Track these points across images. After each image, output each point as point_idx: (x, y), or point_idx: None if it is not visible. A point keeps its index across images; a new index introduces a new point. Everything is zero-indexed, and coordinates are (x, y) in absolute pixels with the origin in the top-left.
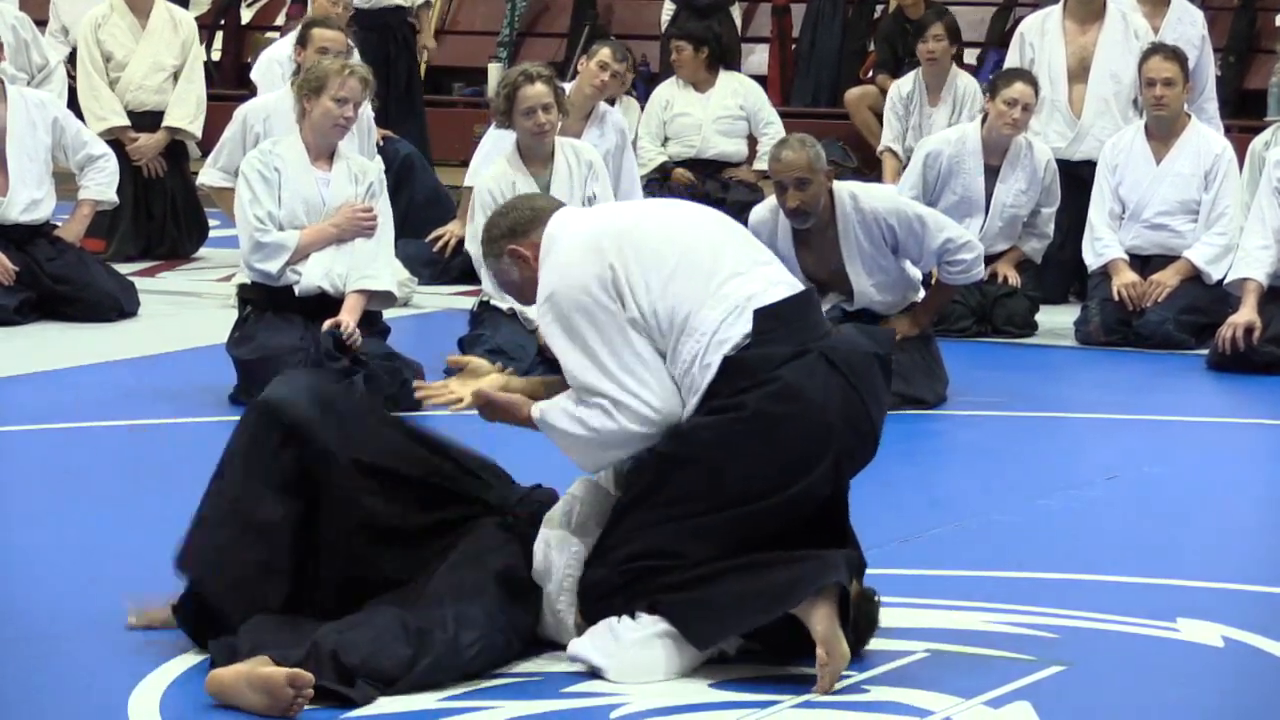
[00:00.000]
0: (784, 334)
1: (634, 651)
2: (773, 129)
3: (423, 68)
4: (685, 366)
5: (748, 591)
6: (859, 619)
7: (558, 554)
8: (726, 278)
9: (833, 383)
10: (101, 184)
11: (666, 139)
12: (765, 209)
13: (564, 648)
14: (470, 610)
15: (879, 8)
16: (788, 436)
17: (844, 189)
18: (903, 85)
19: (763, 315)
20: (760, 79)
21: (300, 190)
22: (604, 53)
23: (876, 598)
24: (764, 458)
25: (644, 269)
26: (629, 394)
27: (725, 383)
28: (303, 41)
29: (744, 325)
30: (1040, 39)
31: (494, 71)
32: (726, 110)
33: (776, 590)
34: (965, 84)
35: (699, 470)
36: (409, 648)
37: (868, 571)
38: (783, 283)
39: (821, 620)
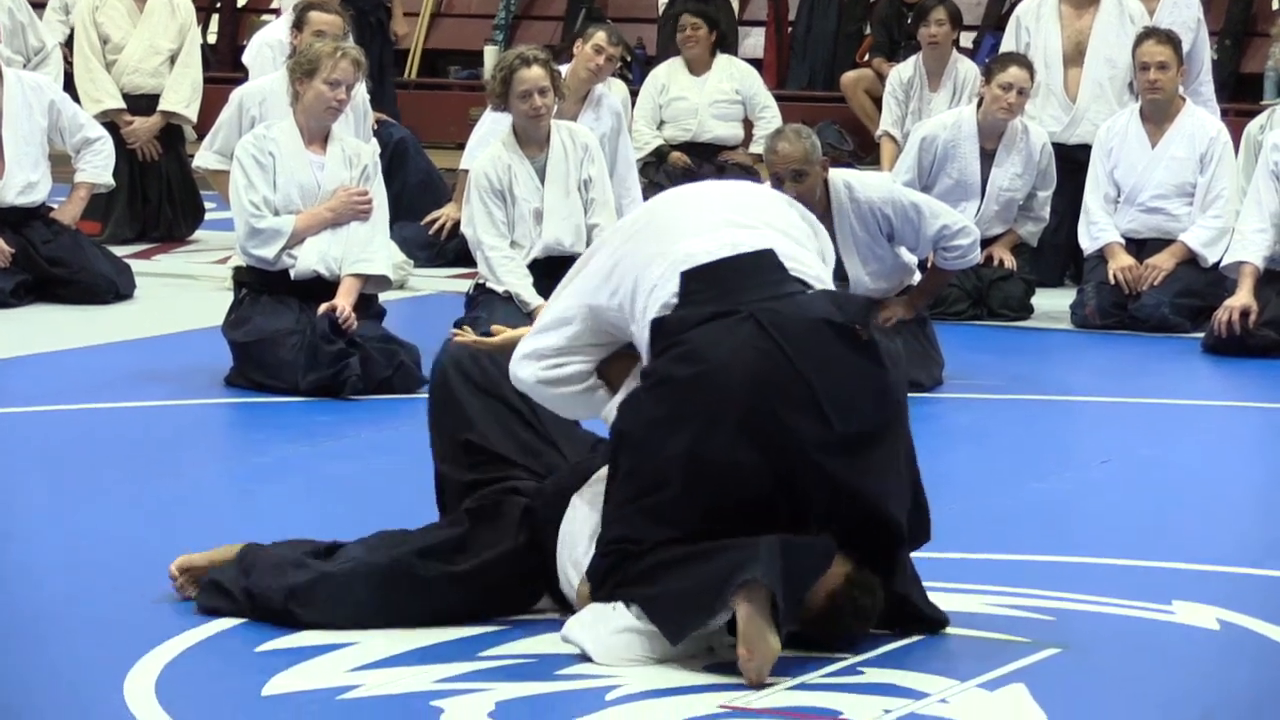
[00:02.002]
0: (713, 295)
1: (618, 638)
2: (769, 113)
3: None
4: (640, 325)
5: (688, 589)
6: (843, 609)
7: (581, 525)
8: (681, 236)
9: (753, 345)
10: (98, 166)
11: (662, 122)
12: None
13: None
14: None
15: None
16: (687, 401)
17: (839, 178)
18: (903, 70)
19: (690, 276)
20: (756, 62)
21: (295, 174)
22: (599, 36)
23: (878, 590)
24: (669, 425)
25: (620, 233)
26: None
27: (654, 346)
28: (299, 25)
29: (673, 285)
30: (1036, 23)
31: (490, 54)
32: (722, 94)
33: (711, 586)
34: (966, 69)
35: (628, 445)
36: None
37: None
38: (742, 245)
39: (740, 619)
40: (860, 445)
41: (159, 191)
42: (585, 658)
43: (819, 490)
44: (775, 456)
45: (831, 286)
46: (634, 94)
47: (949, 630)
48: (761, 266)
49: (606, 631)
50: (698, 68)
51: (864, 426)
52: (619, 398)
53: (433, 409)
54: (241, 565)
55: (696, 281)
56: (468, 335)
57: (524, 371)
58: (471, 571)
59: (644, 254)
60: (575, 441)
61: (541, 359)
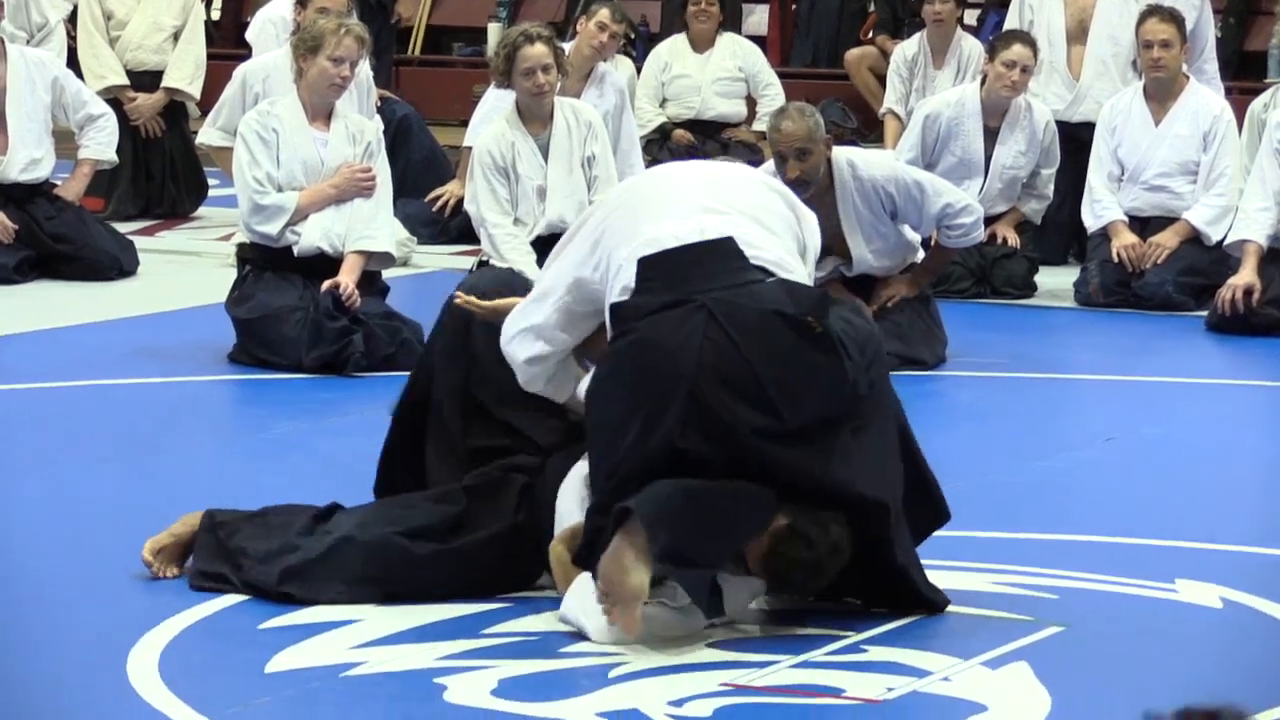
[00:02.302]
0: (668, 283)
1: (678, 617)
2: (772, 90)
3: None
4: (607, 305)
5: None
6: (779, 557)
7: (570, 503)
8: (653, 218)
9: (702, 335)
10: (101, 143)
11: (665, 100)
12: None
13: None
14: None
15: None
16: (637, 391)
17: (842, 157)
18: (907, 48)
19: (646, 263)
20: (759, 40)
21: (298, 151)
22: (602, 13)
23: (826, 544)
24: (623, 414)
25: (605, 205)
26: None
27: (612, 330)
28: (302, 2)
29: (631, 270)
30: (1040, 1)
31: (494, 31)
32: (725, 72)
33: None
34: (970, 47)
35: (592, 432)
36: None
37: None
38: (708, 231)
39: (605, 554)
40: (819, 434)
41: (162, 168)
42: (586, 636)
43: (774, 478)
44: (723, 446)
45: (803, 274)
46: (638, 71)
47: (952, 608)
48: (720, 254)
49: (597, 607)
50: (701, 45)
51: (818, 416)
52: (584, 382)
53: (445, 345)
54: (223, 550)
55: (652, 269)
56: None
57: (515, 349)
58: (466, 549)
59: (620, 231)
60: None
61: (531, 336)
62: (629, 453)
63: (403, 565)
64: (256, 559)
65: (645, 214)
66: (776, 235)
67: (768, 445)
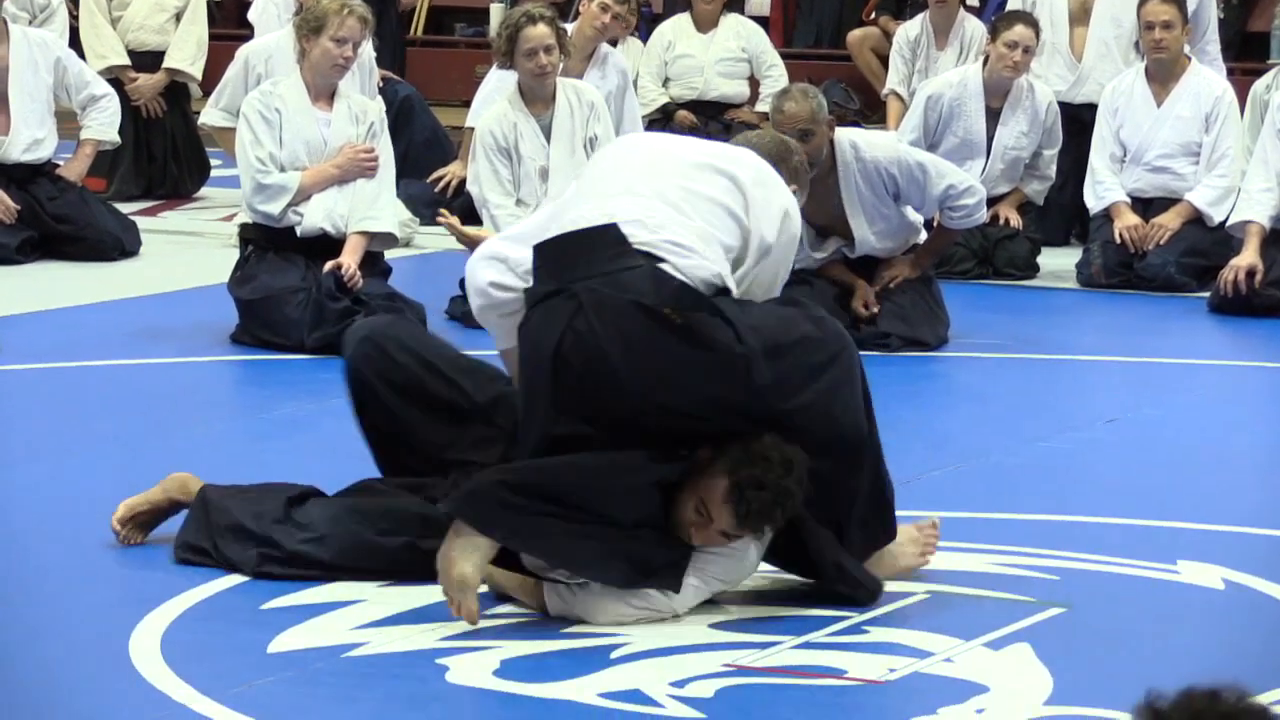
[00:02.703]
0: (552, 271)
1: (595, 599)
2: (775, 72)
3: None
4: None
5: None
6: (743, 489)
7: None
8: (581, 199)
9: (567, 325)
10: (104, 124)
11: (667, 80)
12: None
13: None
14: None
15: None
16: (522, 377)
17: (845, 138)
18: (910, 29)
19: (538, 250)
20: (762, 20)
21: (301, 131)
22: None
23: (772, 459)
24: (521, 399)
25: (582, 171)
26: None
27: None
28: None
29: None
30: None
31: (496, 12)
32: (728, 52)
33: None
34: (973, 27)
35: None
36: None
37: None
38: (616, 214)
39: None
40: (689, 420)
41: (164, 148)
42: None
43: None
44: (600, 427)
45: (715, 256)
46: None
47: (954, 589)
48: (601, 241)
49: (585, 592)
50: (704, 25)
51: (686, 400)
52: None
53: (359, 410)
54: (208, 526)
55: (541, 256)
56: (452, 219)
57: (482, 270)
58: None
59: (565, 208)
60: (504, 407)
61: (504, 266)
62: (527, 438)
63: (371, 557)
64: (234, 538)
65: (580, 193)
66: (689, 218)
67: (635, 426)
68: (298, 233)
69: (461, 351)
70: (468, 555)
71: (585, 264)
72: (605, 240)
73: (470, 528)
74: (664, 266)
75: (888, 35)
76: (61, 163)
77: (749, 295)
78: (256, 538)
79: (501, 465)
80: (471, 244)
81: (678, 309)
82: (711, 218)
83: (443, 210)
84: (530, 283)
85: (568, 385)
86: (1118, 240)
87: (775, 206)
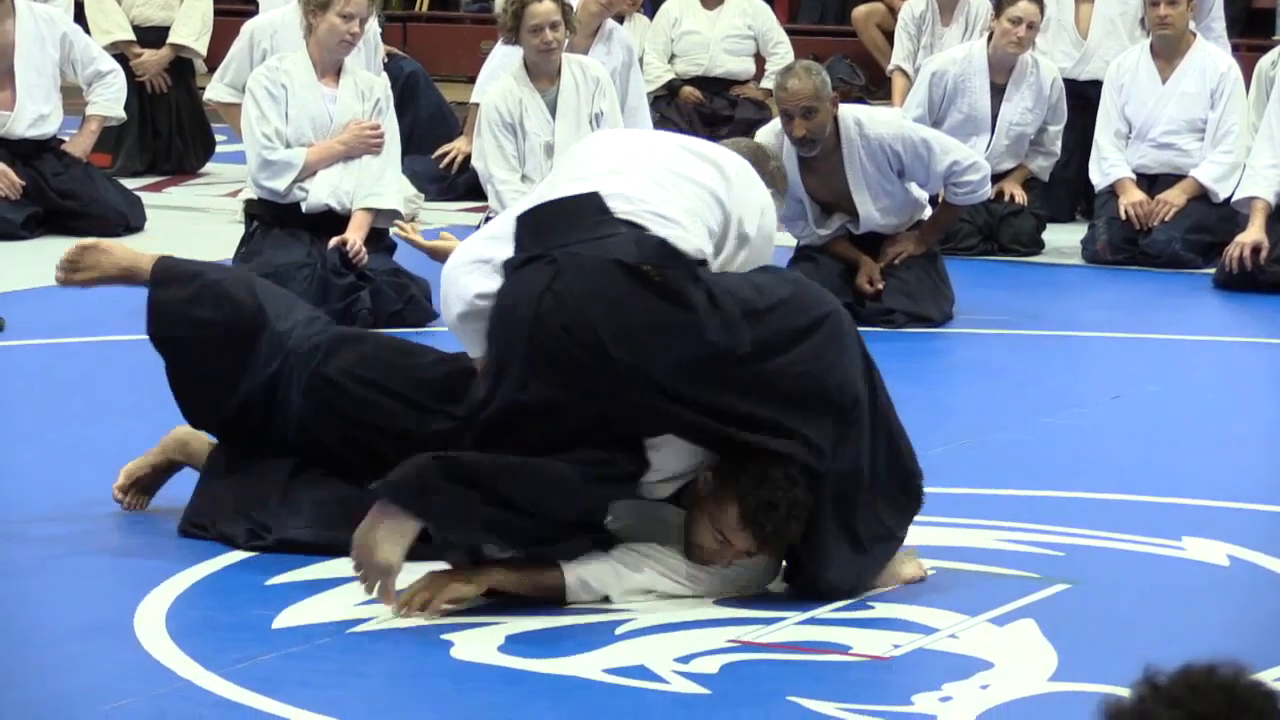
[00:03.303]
0: (533, 239)
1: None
2: (782, 49)
3: None
4: None
5: None
6: (764, 513)
7: None
8: (560, 180)
9: (546, 288)
10: (109, 99)
11: (673, 56)
12: (770, 133)
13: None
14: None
15: None
16: (491, 343)
17: (849, 115)
18: (915, 5)
19: (519, 220)
20: None
21: (307, 107)
22: None
23: (776, 481)
24: (487, 364)
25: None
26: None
27: None
28: None
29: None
30: None
31: None
32: (734, 29)
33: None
34: (977, 3)
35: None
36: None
37: None
38: (601, 188)
39: (356, 532)
40: (672, 379)
41: (169, 124)
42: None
43: (635, 422)
44: (572, 394)
45: (698, 231)
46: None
47: (958, 565)
48: (583, 209)
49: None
50: (710, 2)
51: (665, 363)
52: None
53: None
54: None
55: (522, 225)
56: (411, 233)
57: (465, 278)
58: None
59: (539, 193)
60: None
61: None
62: (490, 404)
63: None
64: (229, 518)
65: (560, 179)
66: (667, 191)
67: (613, 389)
68: (303, 209)
69: (414, 348)
70: (394, 540)
71: (566, 231)
72: (587, 208)
73: (399, 509)
74: (649, 234)
75: (893, 11)
76: (67, 138)
77: None
78: (250, 519)
79: (436, 451)
80: (434, 254)
81: (657, 267)
82: (694, 197)
83: (399, 223)
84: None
85: (545, 349)
86: (1123, 216)
87: (755, 198)
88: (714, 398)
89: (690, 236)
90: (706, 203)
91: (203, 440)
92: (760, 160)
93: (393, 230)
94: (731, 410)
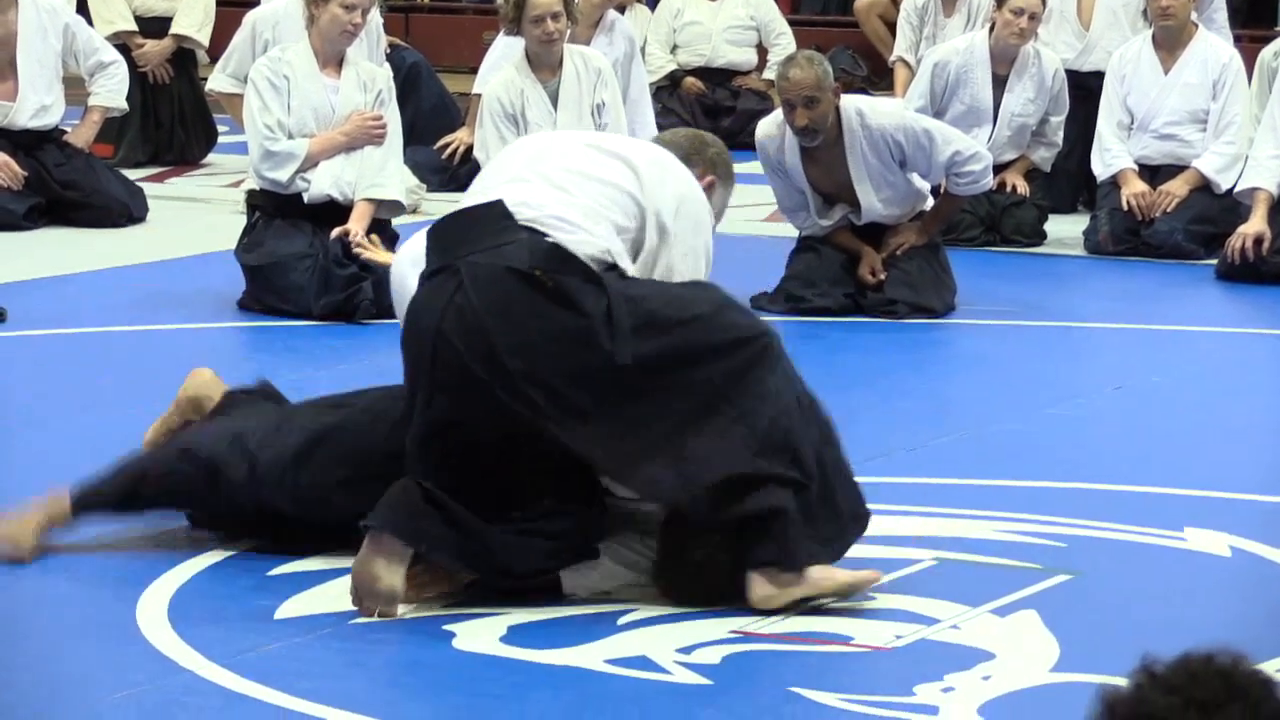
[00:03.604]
0: (439, 249)
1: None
2: (784, 40)
3: None
4: None
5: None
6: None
7: None
8: (477, 188)
9: (450, 301)
10: (112, 90)
11: (675, 47)
12: (772, 124)
13: None
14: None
15: None
16: (405, 358)
17: (851, 105)
18: None
19: (430, 232)
20: None
21: (309, 98)
22: None
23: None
24: (406, 383)
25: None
26: None
27: None
28: None
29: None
30: None
31: None
32: (737, 20)
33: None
34: None
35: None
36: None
37: (874, 480)
38: (504, 197)
39: (354, 563)
40: (563, 389)
41: (171, 115)
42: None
43: (535, 434)
44: (475, 410)
45: (601, 233)
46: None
47: (960, 556)
48: (486, 218)
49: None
50: None
51: (558, 369)
52: None
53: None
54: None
55: (432, 238)
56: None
57: (409, 278)
58: None
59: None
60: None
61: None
62: (409, 422)
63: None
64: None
65: (471, 191)
66: (574, 197)
67: (505, 399)
68: (305, 199)
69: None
70: (393, 568)
71: (470, 240)
72: (490, 216)
73: (391, 538)
74: (546, 239)
75: (895, 2)
76: (69, 129)
77: (666, 280)
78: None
79: (414, 477)
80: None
81: (547, 271)
82: (600, 196)
83: (359, 241)
84: None
85: (446, 364)
86: (1125, 207)
87: (671, 188)
88: (614, 408)
89: (594, 239)
90: (614, 199)
91: (217, 395)
92: (698, 149)
93: (354, 246)
94: (634, 419)
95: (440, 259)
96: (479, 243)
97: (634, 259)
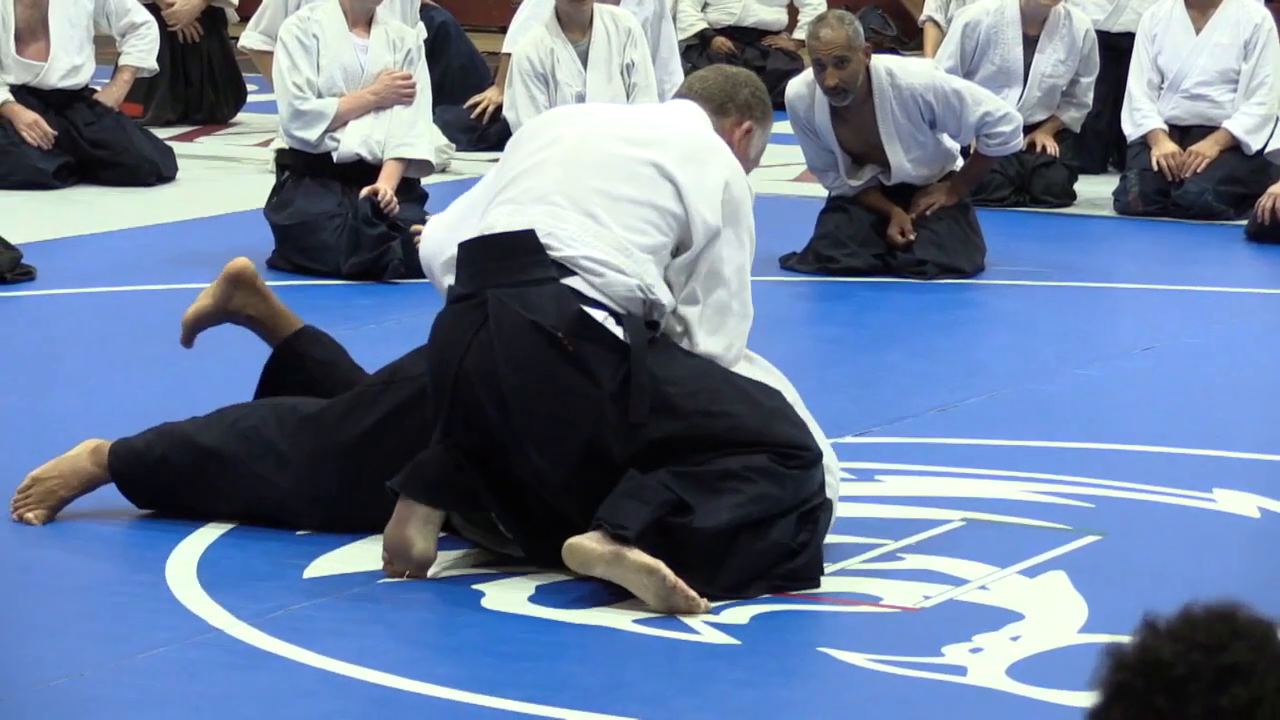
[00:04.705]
0: (468, 272)
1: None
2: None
3: None
4: None
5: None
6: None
7: None
8: (501, 196)
9: (474, 335)
10: (143, 50)
11: (706, 4)
12: (802, 83)
13: None
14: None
15: None
16: (429, 375)
17: (881, 65)
18: None
19: (461, 248)
20: None
21: (339, 57)
22: None
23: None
24: (430, 397)
25: (511, 145)
26: None
27: None
28: None
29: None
30: None
31: None
32: None
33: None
34: None
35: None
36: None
37: (903, 440)
38: (535, 223)
39: (387, 529)
40: (559, 455)
41: (201, 74)
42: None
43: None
44: (483, 444)
45: (636, 267)
46: None
47: (989, 517)
48: (519, 249)
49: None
50: None
51: (556, 438)
52: None
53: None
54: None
55: (464, 253)
56: None
57: (435, 235)
58: None
59: (492, 192)
60: None
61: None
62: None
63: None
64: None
65: (504, 185)
66: (607, 228)
67: (506, 443)
68: (334, 158)
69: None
70: (425, 534)
71: (501, 270)
72: (523, 247)
73: (418, 503)
74: (575, 281)
75: None
76: (99, 88)
77: (714, 272)
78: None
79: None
80: None
81: (570, 335)
82: (633, 220)
83: (388, 200)
84: None
85: (465, 404)
86: (1155, 168)
87: (711, 182)
88: (605, 483)
89: (625, 278)
90: (649, 219)
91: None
92: (731, 94)
93: (383, 206)
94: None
95: (470, 284)
96: (509, 275)
97: (675, 255)
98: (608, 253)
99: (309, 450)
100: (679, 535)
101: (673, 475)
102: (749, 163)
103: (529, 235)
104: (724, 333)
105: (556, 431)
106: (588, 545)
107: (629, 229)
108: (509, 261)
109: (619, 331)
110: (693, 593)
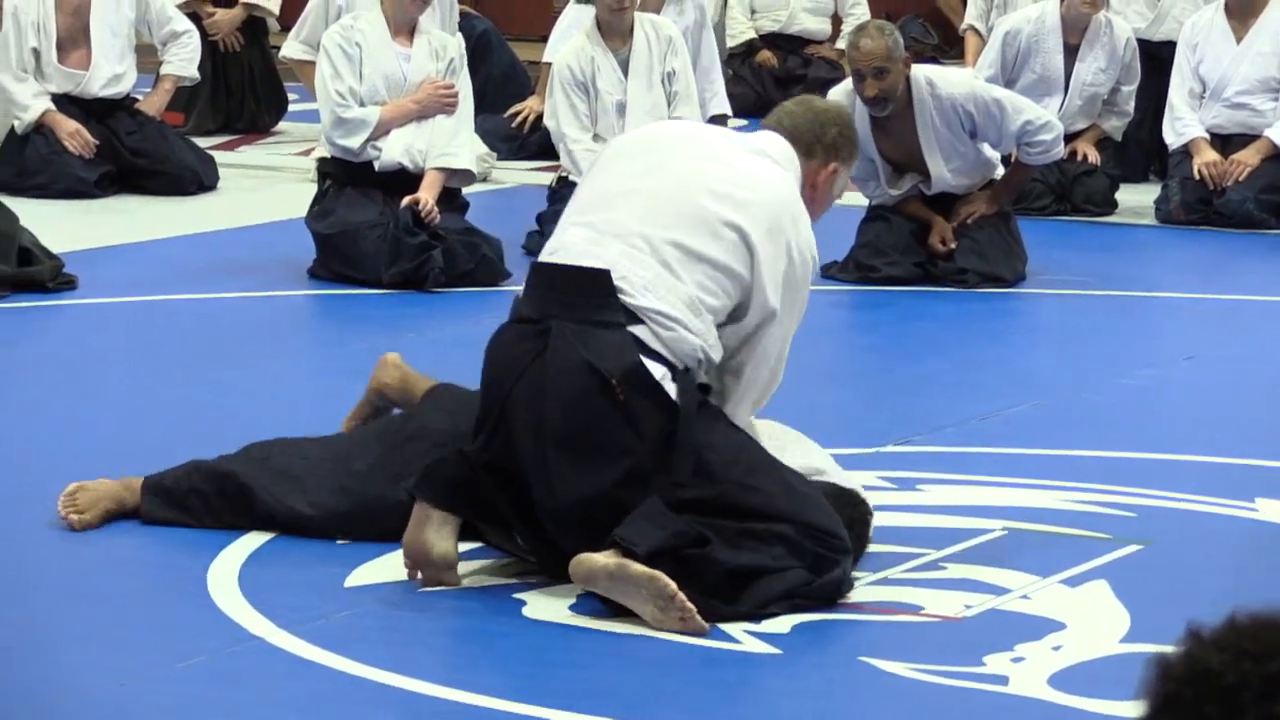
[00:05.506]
0: (537, 294)
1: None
2: (858, 9)
3: None
4: None
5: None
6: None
7: None
8: (580, 216)
9: (530, 361)
10: (184, 60)
11: (754, 11)
12: (842, 93)
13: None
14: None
15: None
16: (482, 388)
17: (921, 75)
18: None
19: (534, 268)
20: None
21: (381, 65)
22: None
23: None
24: (480, 405)
25: (597, 159)
26: None
27: None
28: None
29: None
30: None
31: None
32: None
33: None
34: None
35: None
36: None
37: (944, 450)
38: (609, 262)
39: (406, 532)
40: (571, 487)
41: (242, 83)
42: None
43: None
44: (515, 466)
45: (701, 327)
46: None
47: (1031, 526)
48: (591, 286)
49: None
50: None
51: (578, 473)
52: None
53: None
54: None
55: (536, 275)
56: None
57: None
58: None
59: (573, 207)
60: None
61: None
62: (472, 442)
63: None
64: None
65: (584, 205)
66: (680, 281)
67: (532, 472)
68: (376, 167)
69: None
70: (443, 534)
71: (570, 304)
72: (597, 287)
73: (435, 507)
74: (642, 331)
75: None
76: (140, 97)
77: (764, 353)
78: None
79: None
80: None
81: (624, 385)
82: (706, 280)
83: (429, 210)
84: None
85: (507, 428)
86: (1196, 177)
87: (783, 264)
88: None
89: (690, 336)
90: (721, 284)
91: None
92: (819, 136)
93: (425, 216)
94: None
95: (536, 308)
96: (576, 310)
97: (730, 316)
98: (679, 309)
99: (326, 480)
100: (695, 564)
101: (695, 516)
102: (829, 200)
103: (604, 275)
104: (753, 403)
105: (581, 474)
106: (593, 558)
107: (701, 288)
108: (580, 298)
109: (672, 390)
110: (692, 606)
